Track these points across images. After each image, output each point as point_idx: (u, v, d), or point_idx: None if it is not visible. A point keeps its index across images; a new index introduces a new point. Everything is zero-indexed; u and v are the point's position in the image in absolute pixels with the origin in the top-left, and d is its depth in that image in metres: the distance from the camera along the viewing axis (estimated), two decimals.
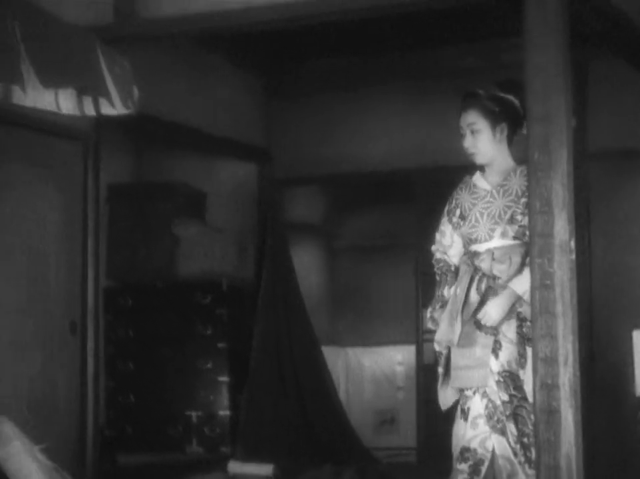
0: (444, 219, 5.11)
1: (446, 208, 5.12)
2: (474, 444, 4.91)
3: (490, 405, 4.85)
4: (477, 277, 4.91)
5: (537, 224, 4.44)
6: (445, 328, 4.95)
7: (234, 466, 7.33)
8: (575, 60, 7.51)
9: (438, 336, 5.04)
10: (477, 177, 5.09)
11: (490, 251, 4.88)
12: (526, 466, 4.82)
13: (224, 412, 8.29)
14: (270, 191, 9.19)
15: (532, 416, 4.80)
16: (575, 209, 4.60)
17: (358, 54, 8.67)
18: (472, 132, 4.99)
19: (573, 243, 4.43)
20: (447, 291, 5.09)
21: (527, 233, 4.82)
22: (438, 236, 5.17)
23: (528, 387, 4.73)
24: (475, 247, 4.98)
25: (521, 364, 4.82)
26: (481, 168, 5.08)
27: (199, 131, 8.44)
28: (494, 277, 4.86)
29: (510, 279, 4.82)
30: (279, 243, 8.81)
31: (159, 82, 7.66)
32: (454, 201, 5.10)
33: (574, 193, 4.51)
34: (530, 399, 4.76)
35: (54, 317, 7.49)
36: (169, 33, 6.20)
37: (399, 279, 9.96)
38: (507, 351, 4.83)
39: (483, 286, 4.89)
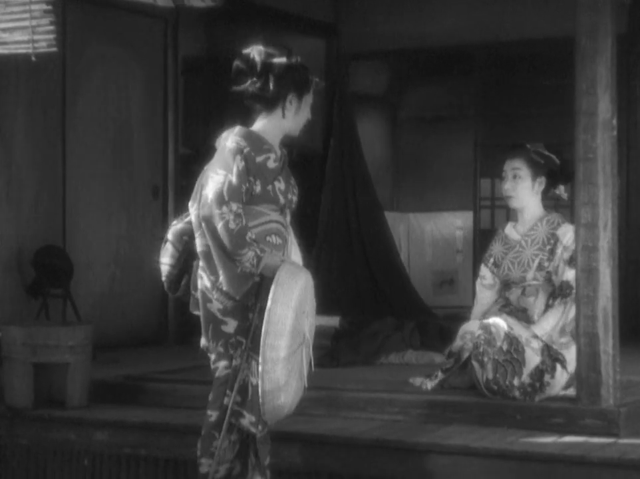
0: (482, 266, 5.50)
1: (483, 257, 5.52)
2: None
3: None
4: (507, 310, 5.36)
5: (582, 104, 4.67)
6: None
7: None
8: None
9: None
10: (508, 229, 5.46)
11: (521, 287, 5.30)
12: None
13: None
14: (337, 65, 9.26)
15: None
16: (619, 90, 4.85)
17: None
18: (514, 177, 5.31)
19: (615, 121, 4.68)
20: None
21: (554, 277, 5.21)
22: (478, 282, 5.53)
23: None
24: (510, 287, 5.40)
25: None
26: (514, 218, 5.46)
27: (269, 7, 8.49)
28: (523, 310, 5.28)
29: (536, 314, 5.23)
30: (345, 114, 9.00)
31: None
32: (488, 252, 5.50)
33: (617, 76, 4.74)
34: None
35: (137, 182, 7.94)
36: None
37: (459, 148, 10.10)
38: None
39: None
